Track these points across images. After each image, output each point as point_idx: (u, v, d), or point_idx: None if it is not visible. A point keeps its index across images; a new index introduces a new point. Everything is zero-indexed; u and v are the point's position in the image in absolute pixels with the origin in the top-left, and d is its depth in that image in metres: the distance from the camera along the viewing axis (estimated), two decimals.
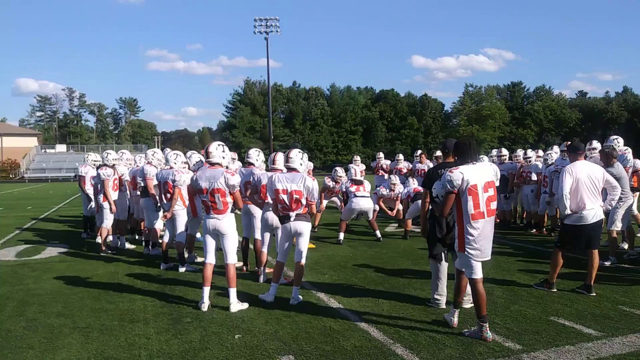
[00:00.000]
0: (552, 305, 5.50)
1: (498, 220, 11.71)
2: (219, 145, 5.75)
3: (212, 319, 5.14)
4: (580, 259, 6.81)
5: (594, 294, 5.80)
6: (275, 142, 73.13)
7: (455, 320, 4.86)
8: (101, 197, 8.92)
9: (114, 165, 9.43)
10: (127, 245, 9.48)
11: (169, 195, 7.52)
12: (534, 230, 10.58)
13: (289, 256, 6.03)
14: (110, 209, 8.76)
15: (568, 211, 5.79)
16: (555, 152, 10.18)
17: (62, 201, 22.41)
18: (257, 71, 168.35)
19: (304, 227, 5.75)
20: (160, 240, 8.22)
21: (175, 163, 7.71)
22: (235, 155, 10.33)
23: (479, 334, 4.49)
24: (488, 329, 4.50)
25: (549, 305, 5.48)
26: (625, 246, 8.38)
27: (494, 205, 4.56)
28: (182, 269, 7.42)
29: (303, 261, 5.82)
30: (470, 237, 4.48)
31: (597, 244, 5.94)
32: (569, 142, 7.08)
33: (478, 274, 4.55)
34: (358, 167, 10.91)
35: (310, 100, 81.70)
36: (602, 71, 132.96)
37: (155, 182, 7.92)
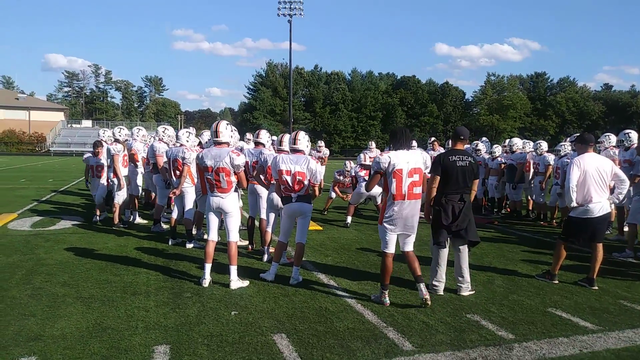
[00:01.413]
0: (551, 296, 5.47)
1: (508, 210, 11.66)
2: (227, 124, 5.79)
3: (212, 295, 5.24)
4: (586, 252, 6.74)
5: (596, 288, 5.76)
6: (295, 125, 73.17)
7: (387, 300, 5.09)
8: (112, 173, 9.09)
9: (126, 140, 9.59)
10: (139, 220, 9.66)
11: (178, 173, 7.63)
12: (542, 222, 10.48)
13: (291, 236, 6.09)
14: (119, 184, 8.92)
15: (574, 203, 5.73)
16: (568, 144, 10.03)
17: (83, 175, 22.80)
18: (281, 53, 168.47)
19: (306, 209, 5.80)
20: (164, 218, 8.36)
21: (187, 141, 7.81)
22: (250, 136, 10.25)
23: (380, 299, 5.08)
24: (387, 295, 5.08)
25: (547, 297, 5.45)
26: None
27: (417, 189, 5.03)
28: (189, 245, 7.54)
29: (304, 242, 5.87)
30: (387, 214, 5.01)
31: (602, 238, 5.87)
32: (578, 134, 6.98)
33: (389, 248, 5.06)
34: (370, 153, 10.90)
35: (331, 85, 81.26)
36: (630, 64, 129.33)
37: (165, 159, 8.03)
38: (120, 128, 9.84)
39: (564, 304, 5.24)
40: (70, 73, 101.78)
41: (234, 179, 5.59)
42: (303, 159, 5.78)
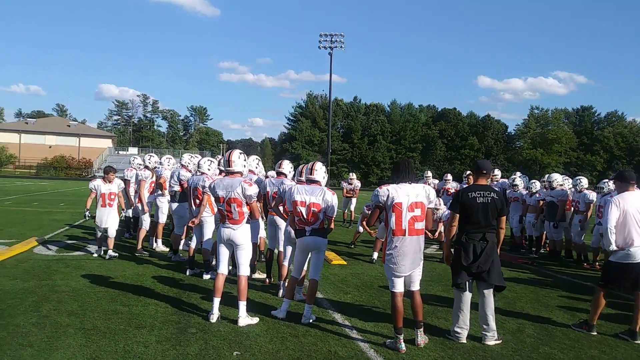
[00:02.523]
0: (588, 350, 4.94)
1: (547, 250, 11.00)
2: (240, 153, 5.64)
3: (217, 332, 4.98)
4: (630, 299, 6.14)
5: (639, 341, 5.17)
6: (333, 155, 73.40)
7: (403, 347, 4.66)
8: (137, 198, 9.09)
9: (155, 167, 9.63)
10: (162, 248, 9.58)
11: (197, 201, 7.51)
12: (585, 264, 9.79)
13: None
14: (143, 209, 8.89)
15: (613, 247, 5.22)
16: (611, 181, 9.40)
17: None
18: (322, 85, 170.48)
19: (320, 243, 5.54)
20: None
21: (208, 169, 7.72)
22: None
23: (394, 345, 4.66)
24: (402, 340, 4.63)
25: (584, 351, 4.92)
26: None
27: (419, 225, 4.72)
28: (206, 276, 7.36)
29: (318, 278, 5.58)
30: (389, 251, 4.72)
31: None
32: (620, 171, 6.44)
33: (397, 287, 4.75)
34: None
35: (369, 116, 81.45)
36: None
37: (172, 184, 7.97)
38: (151, 155, 9.93)
39: (601, 359, 4.70)
40: (120, 102, 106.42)
41: (246, 209, 5.39)
42: (319, 190, 5.55)
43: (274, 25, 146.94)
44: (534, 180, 11.44)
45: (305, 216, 5.48)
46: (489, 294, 5.01)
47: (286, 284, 6.60)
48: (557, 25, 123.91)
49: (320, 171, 5.77)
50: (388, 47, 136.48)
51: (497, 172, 13.75)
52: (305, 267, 5.87)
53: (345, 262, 9.09)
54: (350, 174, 17.28)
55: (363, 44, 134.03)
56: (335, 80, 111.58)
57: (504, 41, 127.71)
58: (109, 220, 8.62)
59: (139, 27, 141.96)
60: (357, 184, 16.27)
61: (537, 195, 10.85)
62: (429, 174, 14.90)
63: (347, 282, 7.56)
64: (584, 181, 10.11)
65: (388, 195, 4.71)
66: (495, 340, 5.01)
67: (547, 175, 11.46)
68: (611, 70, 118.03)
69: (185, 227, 8.64)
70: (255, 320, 5.34)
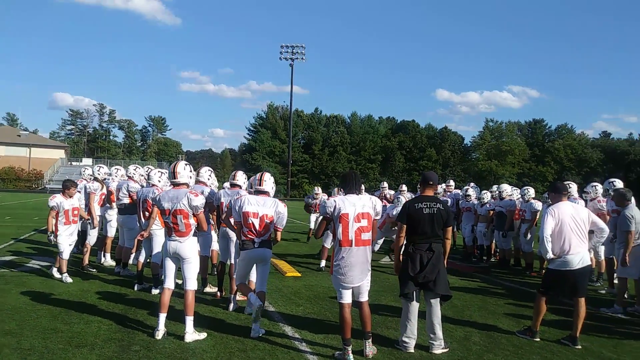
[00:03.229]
0: (531, 356, 5.07)
1: (497, 259, 11.28)
2: (186, 164, 5.56)
3: (162, 349, 4.85)
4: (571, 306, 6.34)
5: (579, 347, 5.35)
6: (293, 166, 73.38)
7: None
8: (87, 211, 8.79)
9: (104, 179, 9.36)
10: (110, 262, 9.29)
11: (147, 214, 7.33)
12: (533, 272, 10.08)
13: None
14: (92, 223, 8.61)
15: (550, 255, 5.39)
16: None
17: None
18: (284, 96, 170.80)
19: (267, 255, 5.52)
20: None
21: (159, 181, 7.56)
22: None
23: (343, 357, 4.65)
24: (351, 352, 4.61)
25: (526, 357, 5.05)
26: None
27: (365, 235, 4.73)
28: (155, 291, 7.17)
29: (265, 290, 5.57)
30: (336, 262, 4.71)
31: (584, 292, 5.50)
32: (558, 182, 6.68)
33: (344, 299, 4.72)
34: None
35: (330, 127, 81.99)
36: (628, 113, 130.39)
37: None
38: (100, 166, 9.65)
39: None
40: (74, 111, 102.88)
41: (193, 221, 5.30)
42: (271, 201, 5.54)
43: (235, 36, 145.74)
44: (485, 191, 11.74)
45: (257, 228, 5.42)
46: (435, 303, 5.08)
47: (238, 297, 6.55)
48: (511, 41, 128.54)
49: (269, 182, 5.75)
50: (349, 59, 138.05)
51: (452, 182, 14.09)
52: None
53: (299, 274, 9.05)
54: (315, 188, 17.11)
55: (324, 55, 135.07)
56: (296, 92, 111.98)
57: (461, 55, 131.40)
58: (71, 238, 8.11)
59: (96, 34, 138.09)
60: (322, 198, 16.13)
61: (488, 206, 11.14)
62: (385, 184, 15.10)
63: (299, 294, 7.52)
64: (531, 191, 10.45)
65: (335, 207, 4.72)
66: (443, 348, 5.07)
67: (496, 186, 11.79)
68: (561, 85, 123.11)
69: (135, 240, 8.41)
70: (203, 335, 5.23)
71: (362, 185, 5.02)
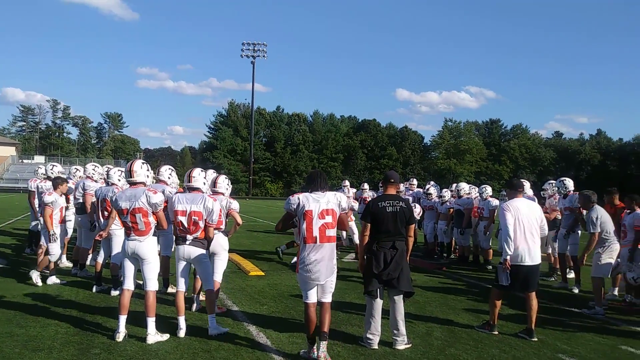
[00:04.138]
0: (490, 350, 5.23)
1: (457, 255, 11.55)
2: (143, 163, 5.46)
3: (123, 351, 4.75)
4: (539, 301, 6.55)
5: (535, 339, 5.55)
6: (255, 164, 72.92)
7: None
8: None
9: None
10: (66, 264, 9.00)
11: (106, 214, 7.15)
12: (490, 266, 10.37)
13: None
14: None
15: (509, 252, 5.53)
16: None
17: (24, 213, 21.60)
18: (245, 94, 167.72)
19: (199, 254, 5.41)
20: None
21: (119, 180, 7.37)
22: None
23: (307, 355, 4.70)
24: (315, 349, 4.62)
25: (485, 350, 5.20)
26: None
27: (330, 232, 4.68)
28: (114, 293, 6.98)
29: (212, 287, 5.53)
30: (301, 260, 4.67)
31: (535, 286, 5.69)
32: (513, 179, 6.86)
33: (308, 297, 4.71)
34: None
35: (292, 126, 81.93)
36: (579, 114, 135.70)
37: (94, 198, 7.55)
38: (53, 165, 9.33)
39: (501, 358, 5.00)
40: (25, 107, 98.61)
41: (152, 219, 5.20)
42: (199, 198, 5.43)
43: (195, 32, 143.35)
44: (445, 189, 11.99)
45: (185, 225, 5.34)
46: (399, 300, 5.17)
47: (201, 296, 6.46)
48: (468, 43, 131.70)
49: (198, 177, 5.66)
50: (310, 58, 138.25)
51: (415, 181, 14.27)
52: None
53: (262, 273, 9.02)
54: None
55: (286, 54, 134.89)
56: (258, 90, 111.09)
57: (421, 56, 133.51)
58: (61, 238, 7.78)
59: (49, 28, 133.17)
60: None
61: (448, 204, 11.39)
62: (347, 183, 15.16)
63: (263, 293, 7.50)
64: (488, 189, 10.75)
65: (299, 204, 4.68)
66: (406, 344, 5.17)
67: (455, 185, 12.06)
68: (516, 86, 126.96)
69: (93, 240, 8.19)
70: (166, 336, 5.15)
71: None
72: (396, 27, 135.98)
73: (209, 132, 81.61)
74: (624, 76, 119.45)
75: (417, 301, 7.07)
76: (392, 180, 5.35)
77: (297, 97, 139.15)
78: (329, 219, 4.68)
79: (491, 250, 10.64)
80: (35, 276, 7.44)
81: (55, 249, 7.42)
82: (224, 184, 6.32)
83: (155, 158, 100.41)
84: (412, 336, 5.40)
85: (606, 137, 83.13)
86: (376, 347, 5.11)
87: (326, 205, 4.69)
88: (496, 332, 5.75)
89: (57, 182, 7.71)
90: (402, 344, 5.15)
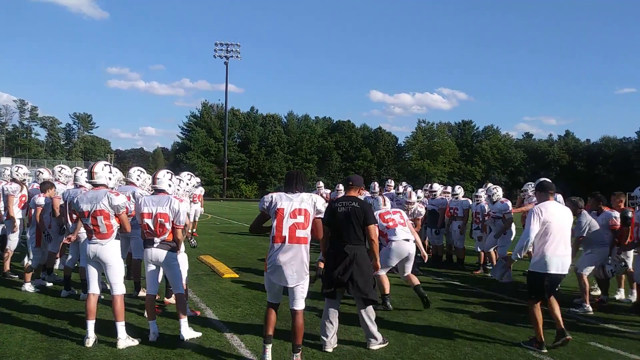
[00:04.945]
0: (462, 348, 5.29)
1: (431, 255, 11.64)
2: (105, 165, 5.34)
3: (93, 357, 4.65)
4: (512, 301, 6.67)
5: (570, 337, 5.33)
6: (229, 165, 72.41)
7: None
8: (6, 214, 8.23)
9: (23, 180, 8.80)
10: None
11: (74, 216, 6.97)
12: (476, 271, 10.28)
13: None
14: (12, 227, 8.08)
15: (520, 257, 5.41)
16: (482, 191, 10.25)
17: None
18: (219, 95, 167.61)
19: (167, 256, 5.27)
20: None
21: (86, 182, 7.19)
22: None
23: (262, 356, 4.53)
24: (269, 350, 4.52)
25: (458, 349, 5.27)
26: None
27: (301, 233, 4.48)
28: (84, 296, 6.81)
29: (181, 291, 5.43)
30: (269, 259, 4.49)
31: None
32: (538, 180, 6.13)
33: (270, 298, 4.62)
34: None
35: (267, 127, 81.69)
36: (547, 116, 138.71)
37: (61, 201, 7.37)
38: (19, 167, 9.03)
39: (474, 355, 5.06)
40: None
41: (114, 222, 5.10)
42: (165, 199, 5.31)
43: (168, 32, 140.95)
44: (420, 190, 12.08)
45: (152, 228, 5.23)
46: (359, 304, 5.18)
47: (172, 299, 6.37)
48: (440, 45, 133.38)
49: (163, 179, 5.50)
50: (285, 59, 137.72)
51: (392, 182, 14.28)
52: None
53: (237, 275, 8.94)
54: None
55: (260, 54, 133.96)
56: (232, 90, 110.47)
57: (394, 57, 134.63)
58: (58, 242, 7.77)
59: (16, 26, 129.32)
60: (200, 189, 15.71)
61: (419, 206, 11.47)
62: (321, 184, 15.20)
63: (237, 295, 7.43)
64: (462, 190, 10.90)
65: (271, 202, 4.56)
66: (380, 344, 5.19)
67: (428, 185, 12.19)
68: (487, 88, 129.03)
69: (61, 244, 7.98)
70: (136, 341, 5.05)
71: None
72: (370, 28, 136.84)
73: (182, 133, 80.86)
74: (590, 79, 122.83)
75: (392, 301, 7.10)
76: (351, 183, 5.39)
77: (272, 98, 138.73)
78: (300, 219, 4.48)
79: (464, 250, 10.78)
80: (27, 287, 7.31)
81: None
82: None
83: (127, 159, 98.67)
84: (387, 335, 5.42)
85: (574, 138, 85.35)
86: (330, 350, 5.05)
87: (299, 204, 4.51)
88: (545, 350, 5.21)
89: (45, 186, 7.70)
90: (375, 344, 5.16)
